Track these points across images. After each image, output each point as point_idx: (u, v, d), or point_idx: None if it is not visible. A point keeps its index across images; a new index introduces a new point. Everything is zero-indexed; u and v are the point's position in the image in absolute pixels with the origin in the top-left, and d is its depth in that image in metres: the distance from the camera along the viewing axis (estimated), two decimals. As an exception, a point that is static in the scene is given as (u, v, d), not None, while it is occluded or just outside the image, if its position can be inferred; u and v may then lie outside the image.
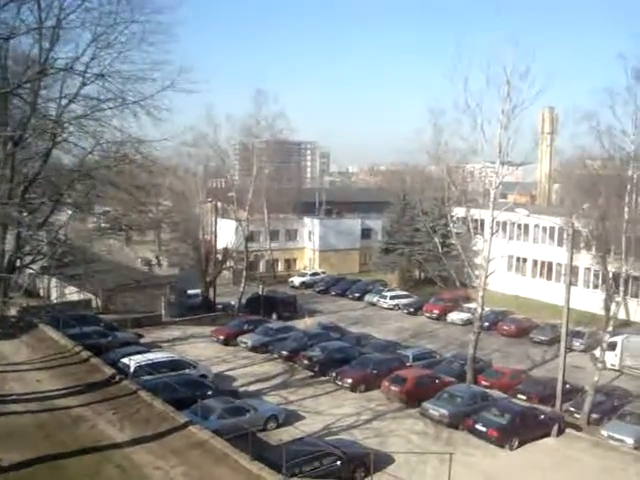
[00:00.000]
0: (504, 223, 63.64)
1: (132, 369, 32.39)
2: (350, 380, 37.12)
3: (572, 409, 35.86)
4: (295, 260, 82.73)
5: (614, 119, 33.17)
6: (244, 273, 61.03)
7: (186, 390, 30.10)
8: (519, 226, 68.72)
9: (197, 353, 41.79)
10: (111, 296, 49.60)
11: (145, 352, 36.47)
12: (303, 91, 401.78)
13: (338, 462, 24.55)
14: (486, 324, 52.02)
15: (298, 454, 23.87)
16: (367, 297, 65.51)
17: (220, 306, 57.71)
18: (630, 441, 31.58)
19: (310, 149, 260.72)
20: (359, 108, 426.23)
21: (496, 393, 36.13)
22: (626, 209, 34.67)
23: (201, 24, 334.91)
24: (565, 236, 43.87)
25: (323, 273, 75.32)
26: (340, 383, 37.36)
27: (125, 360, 33.59)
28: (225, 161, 70.46)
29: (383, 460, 26.59)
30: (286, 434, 29.12)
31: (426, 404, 33.15)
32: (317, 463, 24.07)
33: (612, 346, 43.07)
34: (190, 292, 57.57)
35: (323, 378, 38.74)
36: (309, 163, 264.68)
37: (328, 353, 40.70)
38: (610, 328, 36.38)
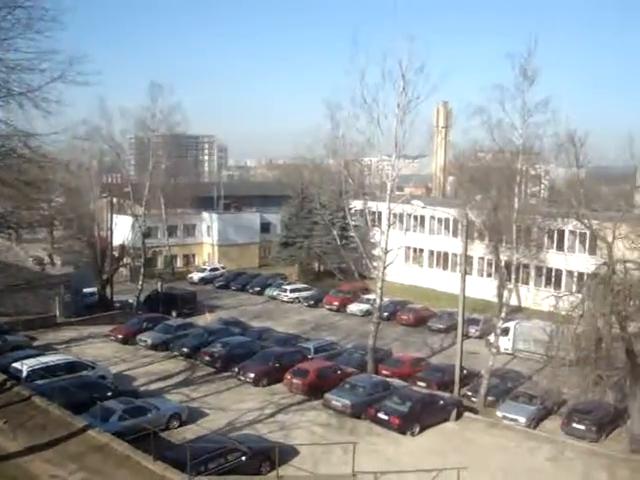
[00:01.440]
0: (401, 215, 64.90)
1: (25, 374, 31.18)
2: (252, 375, 37.02)
3: (469, 393, 37.18)
4: (194, 255, 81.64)
5: (504, 114, 34.37)
6: (142, 270, 59.66)
7: (84, 393, 29.19)
8: (415, 218, 70.32)
9: (95, 354, 40.58)
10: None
11: (39, 355, 35.08)
12: (200, 84, 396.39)
13: (243, 457, 24.43)
14: (385, 314, 52.99)
15: (202, 452, 23.58)
16: (267, 291, 65.40)
17: (118, 304, 56.20)
18: (523, 420, 33.26)
19: (208, 143, 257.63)
20: (257, 102, 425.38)
21: (397, 381, 36.81)
22: (516, 200, 36.04)
23: (92, 14, 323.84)
24: (460, 227, 45.27)
25: (223, 268, 74.66)
26: (243, 378, 37.19)
27: (17, 365, 32.27)
28: (120, 155, 68.69)
29: (288, 453, 26.65)
30: (190, 432, 28.70)
31: (328, 395, 33.45)
32: (222, 460, 23.86)
33: (505, 331, 44.85)
34: (86, 291, 55.72)
35: (225, 374, 38.45)
36: (207, 157, 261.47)
37: (230, 348, 40.43)
38: (503, 314, 37.83)
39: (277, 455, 23.43)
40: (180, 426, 29.56)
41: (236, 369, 37.84)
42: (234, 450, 24.58)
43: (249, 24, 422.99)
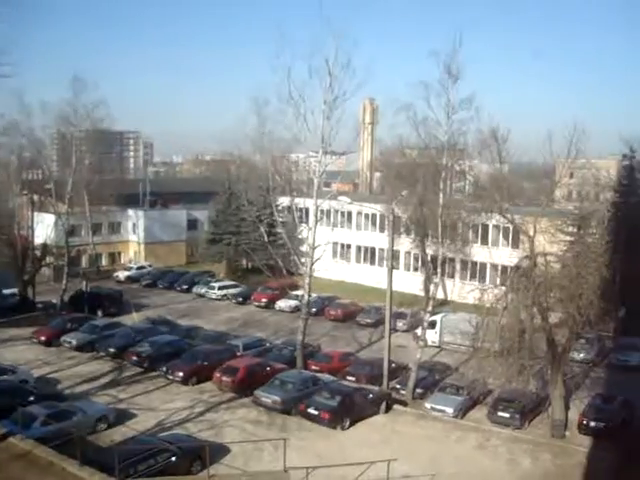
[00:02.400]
0: (328, 211, 65.34)
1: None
2: (181, 373, 36.71)
3: (398, 386, 37.69)
4: (120, 254, 79.90)
5: (429, 110, 34.93)
6: (65, 269, 58.04)
7: (4, 398, 28.25)
8: (342, 214, 70.77)
9: (16, 357, 39.41)
10: None
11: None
12: (125, 79, 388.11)
13: (173, 458, 24.17)
14: (314, 310, 53.06)
15: (131, 454, 23.25)
16: (195, 289, 64.67)
17: (41, 305, 54.54)
18: (450, 410, 33.98)
19: (133, 139, 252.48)
20: (183, 98, 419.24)
21: (326, 376, 37.05)
22: (441, 195, 36.72)
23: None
24: (386, 222, 45.83)
25: (149, 266, 73.36)
26: (171, 377, 36.82)
27: None
28: (41, 151, 66.63)
29: (219, 451, 26.56)
30: (118, 434, 28.27)
31: (258, 392, 33.47)
32: (152, 461, 23.53)
33: (432, 324, 45.65)
34: (5, 292, 53.96)
35: (154, 373, 37.95)
36: (132, 153, 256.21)
37: (157, 348, 39.92)
38: (430, 308, 38.53)
39: (208, 454, 23.26)
40: (108, 428, 29.09)
41: (164, 368, 37.41)
42: (164, 451, 24.28)
43: (174, 18, 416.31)
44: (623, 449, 30.10)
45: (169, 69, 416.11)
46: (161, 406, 32.71)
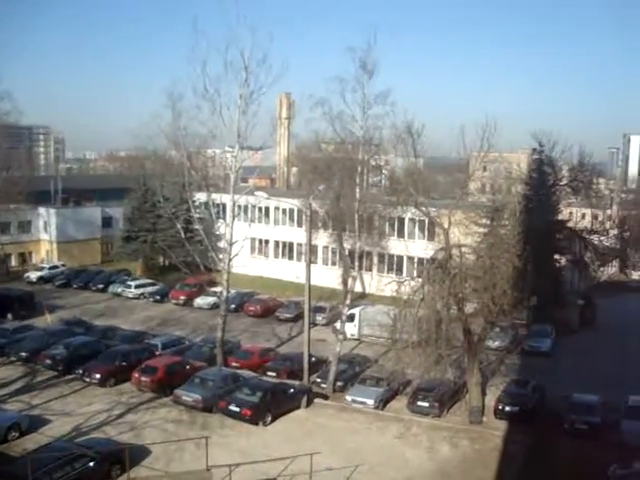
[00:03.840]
0: (245, 206, 65.03)
1: None
2: (98, 375, 35.87)
3: (319, 380, 37.96)
4: (30, 253, 77.13)
5: (345, 106, 35.19)
6: (-28, 271, 55.78)
7: None
8: (260, 209, 70.53)
9: None
10: None
11: None
12: (34, 73, 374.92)
13: (91, 463, 23.62)
14: (233, 306, 52.97)
15: (46, 462, 22.53)
16: (111, 288, 63.16)
17: (-55, 310, 52.18)
18: (371, 402, 34.48)
19: (43, 134, 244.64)
20: (96, 92, 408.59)
21: (247, 373, 36.91)
22: (358, 189, 37.11)
23: None
24: (304, 217, 45.96)
25: (63, 266, 71.16)
26: (88, 379, 35.92)
27: None
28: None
29: (139, 454, 26.11)
30: (31, 442, 27.32)
31: (178, 391, 33.10)
32: (68, 468, 22.88)
33: (351, 317, 46.18)
34: None
35: (69, 376, 36.89)
36: (42, 149, 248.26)
37: (72, 350, 38.77)
38: (348, 301, 38.94)
39: (127, 457, 22.85)
40: (20, 437, 28.07)
41: (80, 371, 36.45)
42: (81, 456, 23.67)
43: (87, 10, 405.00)
44: (536, 431, 31.42)
45: (81, 63, 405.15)
46: (78, 410, 31.84)
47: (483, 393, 34.46)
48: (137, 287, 61.70)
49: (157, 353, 39.89)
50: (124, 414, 31.65)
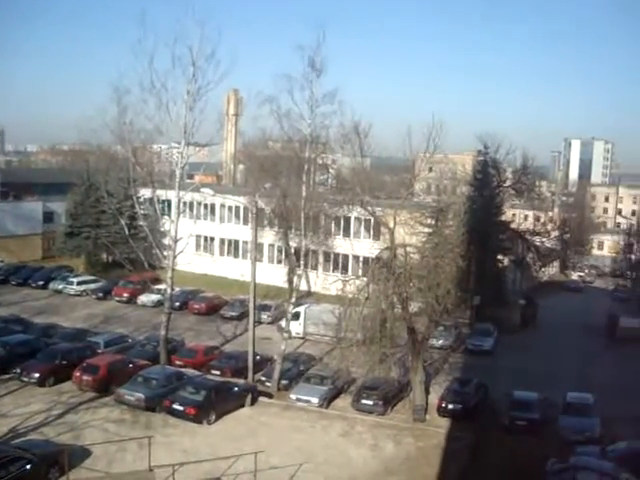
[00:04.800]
0: (191, 203, 64.50)
1: None
2: (37, 374, 34.92)
3: (263, 378, 37.87)
4: (-34, 250, 75.04)
5: (293, 104, 35.12)
6: None
7: None
8: (206, 206, 70.03)
9: None
10: None
11: None
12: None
13: (28, 465, 22.87)
14: (177, 304, 52.44)
15: (-20, 465, 21.79)
16: (52, 284, 61.80)
17: None
18: (315, 400, 34.54)
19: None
20: (39, 83, 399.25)
21: (191, 371, 36.55)
22: (304, 188, 37.11)
23: None
24: (250, 215, 45.70)
25: (1, 262, 69.37)
26: (26, 379, 34.92)
27: None
28: None
29: (79, 455, 25.60)
30: (-36, 446, 26.43)
31: (121, 390, 32.56)
32: (4, 472, 22.10)
33: (296, 316, 46.21)
34: None
35: (6, 376, 35.69)
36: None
37: (9, 348, 37.62)
38: (293, 299, 38.91)
39: (66, 458, 22.35)
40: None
41: (18, 370, 35.43)
42: (17, 459, 22.94)
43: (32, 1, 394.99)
44: (478, 428, 31.97)
45: (23, 53, 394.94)
46: (14, 411, 30.92)
47: (427, 391, 34.89)
48: (79, 284, 60.54)
49: (99, 351, 39.12)
50: (64, 414, 30.91)
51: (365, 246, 56.68)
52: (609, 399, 34.89)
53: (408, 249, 33.19)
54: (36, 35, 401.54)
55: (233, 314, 53.81)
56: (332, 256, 63.79)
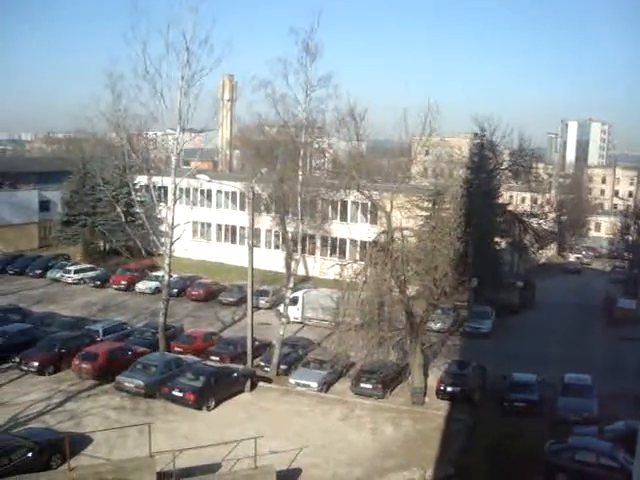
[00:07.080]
0: (187, 190, 64.27)
1: None
2: (36, 363, 34.98)
3: (262, 363, 37.96)
4: (-38, 239, 74.84)
5: (288, 88, 34.97)
6: None
7: None
8: (202, 192, 69.85)
9: None
10: None
11: None
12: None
13: (30, 454, 23.08)
14: (175, 291, 52.50)
15: (-19, 454, 21.88)
16: (50, 273, 61.74)
17: None
18: (314, 385, 34.63)
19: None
20: (33, 72, 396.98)
21: (190, 357, 36.69)
22: (300, 172, 37.02)
23: None
24: (246, 200, 45.59)
25: (-2, 251, 69.32)
26: (26, 368, 34.99)
27: None
28: None
29: (80, 442, 25.74)
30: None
31: (120, 377, 32.65)
32: (5, 460, 22.31)
33: (294, 301, 46.26)
34: None
35: (5, 365, 35.80)
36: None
37: (8, 337, 37.71)
38: (291, 284, 38.97)
39: (67, 446, 22.40)
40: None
41: (17, 359, 35.48)
42: (18, 447, 23.14)
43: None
44: (477, 410, 32.20)
45: (17, 41, 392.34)
46: (15, 400, 31.02)
47: (425, 374, 34.97)
48: (77, 272, 60.45)
49: (98, 339, 39.21)
50: (64, 402, 31.01)
51: (362, 230, 56.61)
52: (607, 380, 35.09)
53: (405, 232, 33.18)
54: (29, 23, 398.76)
55: (231, 300, 53.84)
56: (329, 240, 63.74)
